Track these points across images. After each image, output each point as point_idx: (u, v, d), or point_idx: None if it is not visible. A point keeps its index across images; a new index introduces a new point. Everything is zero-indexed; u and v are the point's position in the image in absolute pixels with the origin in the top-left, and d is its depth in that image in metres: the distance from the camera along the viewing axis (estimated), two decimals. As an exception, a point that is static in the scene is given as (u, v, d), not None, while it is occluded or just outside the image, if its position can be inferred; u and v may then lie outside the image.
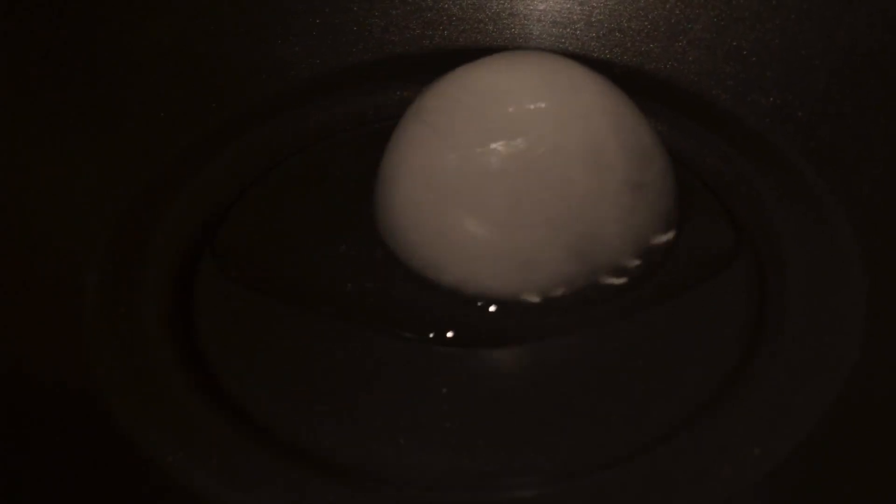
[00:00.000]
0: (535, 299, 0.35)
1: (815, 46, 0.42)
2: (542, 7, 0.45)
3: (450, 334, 0.35)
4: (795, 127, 0.40)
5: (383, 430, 0.32)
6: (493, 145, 0.34)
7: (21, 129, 0.40)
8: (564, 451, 0.32)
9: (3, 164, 0.39)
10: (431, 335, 0.35)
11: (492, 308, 0.35)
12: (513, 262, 0.34)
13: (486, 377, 0.34)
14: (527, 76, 0.35)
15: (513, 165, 0.34)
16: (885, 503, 0.30)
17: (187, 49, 0.43)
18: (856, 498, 0.30)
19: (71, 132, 0.40)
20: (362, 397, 0.33)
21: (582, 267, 0.35)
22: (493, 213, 0.34)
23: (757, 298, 0.36)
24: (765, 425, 0.32)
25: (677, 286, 0.36)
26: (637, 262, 0.36)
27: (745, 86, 0.42)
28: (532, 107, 0.35)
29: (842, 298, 0.35)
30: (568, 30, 0.44)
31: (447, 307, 0.35)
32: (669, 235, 0.36)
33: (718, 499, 0.30)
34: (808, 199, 0.38)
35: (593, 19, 0.44)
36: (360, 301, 0.36)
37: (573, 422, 0.33)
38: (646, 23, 0.44)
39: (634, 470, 0.31)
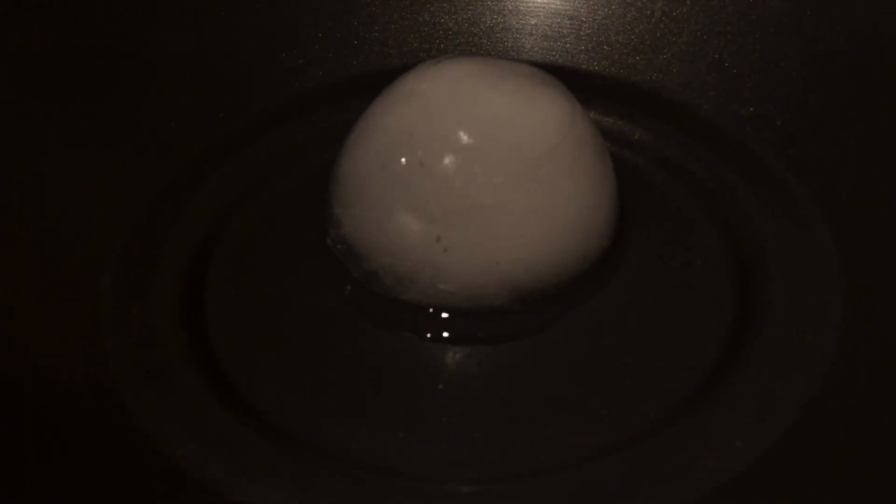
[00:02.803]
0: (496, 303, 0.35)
1: (793, 58, 0.42)
2: (533, 22, 0.45)
3: (445, 334, 0.35)
4: (774, 135, 0.41)
5: (385, 425, 0.33)
6: (448, 160, 0.34)
7: (38, 136, 0.40)
8: (554, 444, 0.32)
9: (22, 169, 0.39)
10: (429, 335, 0.35)
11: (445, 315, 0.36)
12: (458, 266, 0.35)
13: (481, 374, 0.35)
14: (485, 90, 0.35)
15: (458, 171, 0.34)
16: (863, 493, 0.30)
17: (196, 62, 0.43)
18: (836, 488, 0.30)
19: (86, 139, 0.40)
20: (364, 393, 0.34)
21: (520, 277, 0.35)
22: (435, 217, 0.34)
23: (739, 297, 0.36)
24: (747, 419, 0.32)
25: (662, 286, 0.37)
26: (606, 258, 0.36)
27: (726, 96, 0.42)
28: (486, 122, 0.34)
29: (820, 298, 0.36)
30: (558, 43, 0.44)
31: (443, 308, 0.36)
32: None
33: (702, 490, 0.31)
34: (788, 203, 0.39)
35: (582, 33, 0.44)
36: (360, 301, 0.36)
37: (562, 416, 0.33)
38: (632, 37, 0.44)
39: (621, 462, 0.32)
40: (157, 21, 0.44)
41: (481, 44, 0.45)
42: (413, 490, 0.32)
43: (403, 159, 0.34)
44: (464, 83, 0.35)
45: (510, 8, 0.45)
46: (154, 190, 0.40)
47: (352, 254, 0.36)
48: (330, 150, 0.38)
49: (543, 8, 0.45)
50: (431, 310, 0.36)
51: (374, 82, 0.38)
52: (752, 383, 0.34)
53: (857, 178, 0.39)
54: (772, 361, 0.34)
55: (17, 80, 0.41)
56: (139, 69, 0.43)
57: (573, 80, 0.38)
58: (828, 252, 0.37)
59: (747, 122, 0.42)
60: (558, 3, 0.45)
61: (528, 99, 0.35)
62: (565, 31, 0.45)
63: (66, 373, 0.34)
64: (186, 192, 0.40)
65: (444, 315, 0.35)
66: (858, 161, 0.39)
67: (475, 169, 0.34)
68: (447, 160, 0.34)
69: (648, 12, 0.44)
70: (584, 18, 0.45)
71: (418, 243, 0.34)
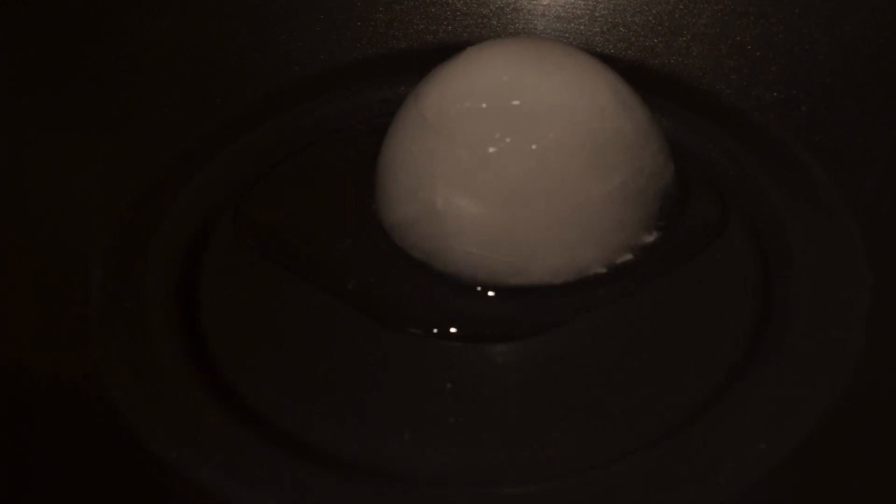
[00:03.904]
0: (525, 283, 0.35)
1: (819, 41, 0.42)
2: (546, 2, 0.45)
3: (454, 329, 0.35)
4: (799, 121, 0.40)
5: (389, 426, 0.32)
6: (490, 136, 0.34)
7: (24, 128, 0.40)
8: (568, 446, 0.32)
9: (9, 163, 0.39)
10: (436, 330, 0.35)
11: (490, 293, 0.35)
12: (505, 250, 0.35)
13: (490, 372, 0.34)
14: (529, 67, 0.35)
15: (508, 157, 0.34)
16: (889, 498, 0.30)
17: (191, 46, 0.43)
18: (861, 493, 0.30)
19: (75, 131, 0.40)
20: (368, 393, 0.33)
21: (577, 254, 0.35)
22: (485, 202, 0.34)
23: (761, 293, 0.36)
24: (770, 420, 0.32)
25: (682, 281, 0.36)
26: (629, 257, 0.36)
27: (748, 80, 0.42)
28: (531, 100, 0.34)
29: (846, 293, 0.35)
30: (572, 24, 0.44)
31: (451, 302, 0.35)
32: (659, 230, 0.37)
33: (724, 494, 0.30)
34: (813, 193, 0.38)
35: (597, 14, 0.44)
36: (364, 297, 0.36)
37: (577, 417, 0.33)
38: (650, 17, 0.44)
39: (639, 465, 0.31)
40: (149, 5, 0.44)
41: (491, 25, 0.45)
42: (418, 495, 0.31)
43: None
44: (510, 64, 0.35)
45: (521, -13, 0.46)
46: (148, 182, 0.39)
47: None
48: (333, 138, 0.38)
49: (556, -13, 0.46)
50: (437, 304, 0.35)
51: (378, 66, 0.37)
52: (776, 382, 0.33)
53: (886, 168, 0.38)
54: (796, 360, 0.34)
55: (4, 70, 0.41)
56: (133, 56, 0.43)
57: (587, 63, 0.38)
58: (855, 244, 0.37)
59: (771, 108, 0.41)
60: (572, -19, 0.46)
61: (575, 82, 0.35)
62: (579, 12, 0.45)
63: (54, 374, 0.33)
64: (181, 185, 0.40)
65: (452, 310, 0.35)
66: (887, 149, 0.39)
67: (515, 142, 0.34)
68: (488, 136, 0.34)
69: (667, -9, 0.45)
70: (599, -2, 0.46)
71: (457, 212, 0.35)
